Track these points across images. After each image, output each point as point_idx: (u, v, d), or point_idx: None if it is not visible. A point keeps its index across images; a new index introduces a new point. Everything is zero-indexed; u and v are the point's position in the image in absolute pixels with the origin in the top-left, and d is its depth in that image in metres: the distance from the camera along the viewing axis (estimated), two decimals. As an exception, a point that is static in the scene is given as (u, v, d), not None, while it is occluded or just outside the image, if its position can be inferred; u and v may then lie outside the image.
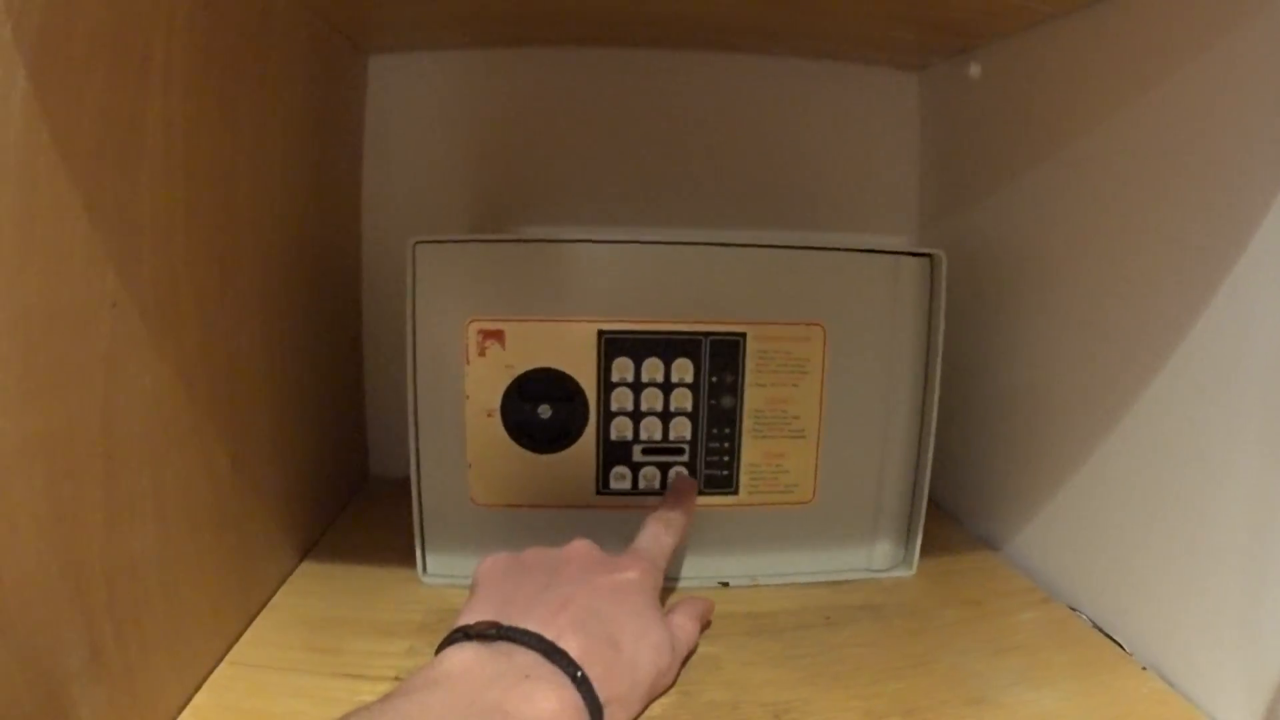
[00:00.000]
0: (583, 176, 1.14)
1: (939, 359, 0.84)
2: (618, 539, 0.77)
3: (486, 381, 0.81)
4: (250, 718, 0.62)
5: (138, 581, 0.56)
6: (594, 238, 0.81)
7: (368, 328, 1.12)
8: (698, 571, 0.85)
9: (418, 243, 0.78)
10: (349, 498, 1.04)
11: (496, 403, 0.81)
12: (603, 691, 0.55)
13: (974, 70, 1.01)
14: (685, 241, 0.81)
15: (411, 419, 0.80)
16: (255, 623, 0.73)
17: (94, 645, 0.51)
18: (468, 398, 0.81)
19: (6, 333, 0.43)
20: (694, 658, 0.72)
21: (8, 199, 0.43)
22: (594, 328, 0.81)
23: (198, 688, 0.63)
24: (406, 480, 0.81)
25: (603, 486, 0.84)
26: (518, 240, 0.83)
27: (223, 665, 0.67)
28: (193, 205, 0.62)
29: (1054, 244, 0.87)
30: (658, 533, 0.74)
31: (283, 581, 0.81)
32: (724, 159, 1.15)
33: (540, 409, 0.82)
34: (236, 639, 0.70)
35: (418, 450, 0.81)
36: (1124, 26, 0.76)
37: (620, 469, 0.84)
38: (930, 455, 0.86)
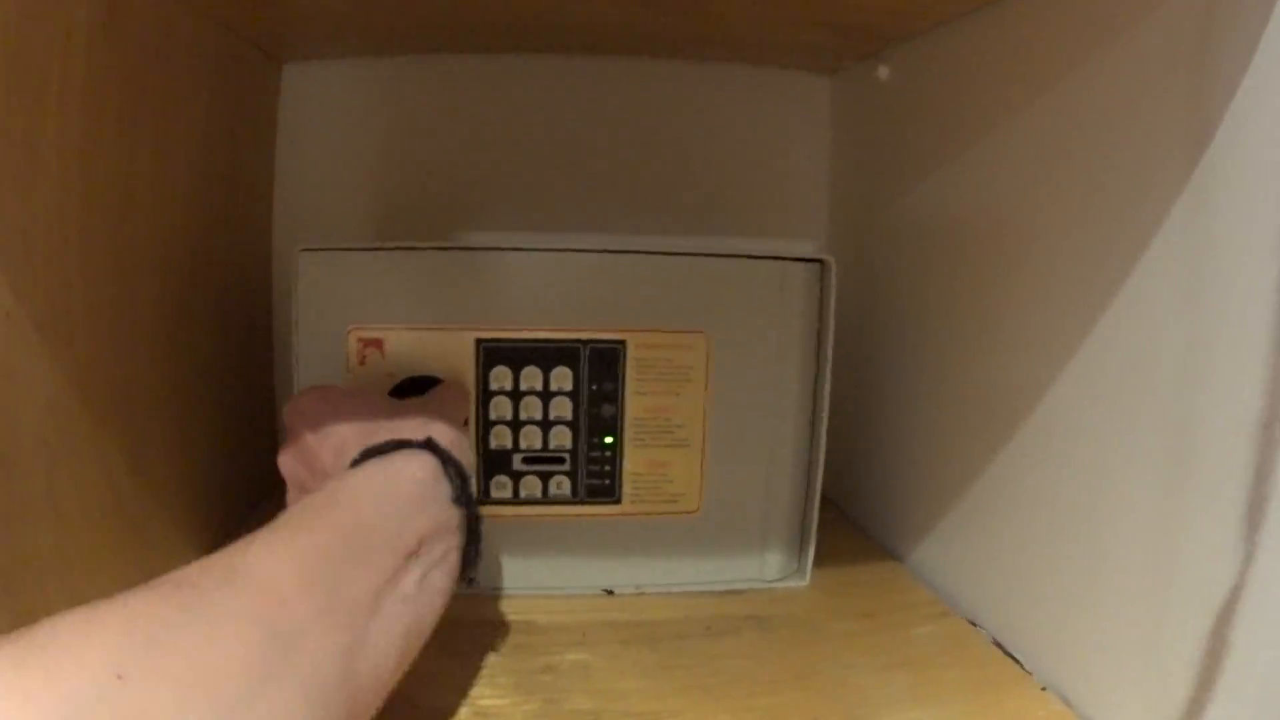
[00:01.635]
0: (495, 182, 1.16)
1: (829, 366, 0.85)
2: (503, 549, 0.85)
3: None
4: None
5: (35, 582, 0.58)
6: (471, 245, 0.84)
7: (279, 333, 1.13)
8: (581, 580, 0.88)
9: (302, 250, 0.80)
10: (259, 500, 1.05)
11: None
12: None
13: (882, 72, 1.02)
14: (563, 249, 0.84)
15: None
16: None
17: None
18: None
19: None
20: (564, 664, 0.73)
21: None
22: (472, 336, 0.82)
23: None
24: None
25: (483, 495, 0.84)
26: (397, 248, 0.83)
27: (126, 666, 0.69)
28: (88, 220, 0.65)
29: (955, 251, 0.88)
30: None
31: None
32: (637, 164, 1.18)
33: None
34: (141, 639, 0.72)
35: None
36: (1024, 25, 0.77)
37: (501, 478, 0.85)
38: (821, 464, 0.86)
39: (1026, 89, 0.76)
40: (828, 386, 0.85)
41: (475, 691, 0.69)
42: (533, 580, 0.87)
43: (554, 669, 0.73)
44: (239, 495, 1.00)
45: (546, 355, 0.83)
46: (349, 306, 0.81)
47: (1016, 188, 0.78)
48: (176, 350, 0.83)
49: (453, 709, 0.67)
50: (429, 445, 0.59)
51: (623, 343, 0.84)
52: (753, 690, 0.71)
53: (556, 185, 1.17)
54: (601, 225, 1.17)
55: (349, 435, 0.62)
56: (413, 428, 0.61)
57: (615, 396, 0.85)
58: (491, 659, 0.74)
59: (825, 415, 0.86)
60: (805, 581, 0.89)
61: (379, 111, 1.14)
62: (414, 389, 0.80)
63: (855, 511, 1.09)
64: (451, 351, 0.82)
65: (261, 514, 0.99)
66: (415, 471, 0.57)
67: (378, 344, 0.81)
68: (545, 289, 0.83)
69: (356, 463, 0.58)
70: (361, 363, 0.81)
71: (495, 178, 1.16)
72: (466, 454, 0.63)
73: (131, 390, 0.73)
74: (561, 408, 0.84)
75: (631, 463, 0.86)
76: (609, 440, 0.86)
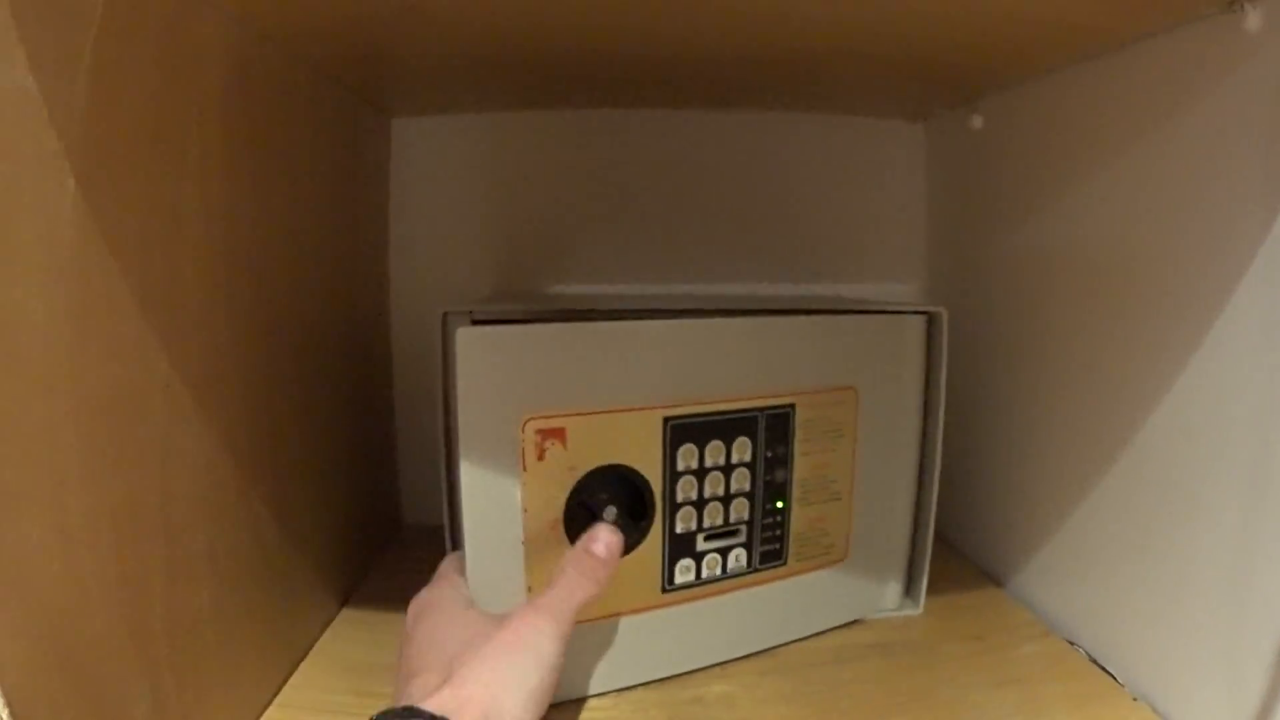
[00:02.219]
0: (601, 234, 1.17)
1: (941, 410, 0.86)
2: (684, 633, 0.79)
3: (547, 489, 0.71)
4: (299, 756, 0.66)
5: (196, 636, 0.61)
6: (644, 308, 0.78)
7: (398, 383, 1.15)
8: (745, 645, 0.84)
9: (466, 324, 0.68)
10: (384, 546, 1.09)
11: (559, 512, 0.72)
12: None
13: (976, 121, 1.04)
14: (736, 311, 0.80)
15: (462, 541, 0.72)
16: (301, 667, 0.78)
17: (157, 694, 0.56)
18: (526, 510, 0.71)
19: (69, 420, 0.48)
20: (710, 696, 0.76)
21: (63, 297, 0.48)
22: (660, 415, 0.74)
23: (250, 729, 0.68)
24: (437, 526, 0.81)
25: (668, 584, 0.78)
26: (571, 316, 0.73)
27: (272, 708, 0.71)
28: (233, 284, 0.67)
29: (1049, 293, 0.90)
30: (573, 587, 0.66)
31: (325, 628, 0.85)
32: (738, 213, 1.19)
33: (607, 512, 0.73)
34: (284, 683, 0.75)
35: (468, 575, 0.71)
36: (1110, 81, 0.79)
37: (685, 561, 0.78)
38: (934, 501, 0.89)
39: (1114, 141, 0.79)
40: (940, 429, 0.87)
41: (631, 725, 0.72)
42: (712, 656, 0.82)
43: (701, 700, 0.76)
44: (369, 542, 1.04)
45: (729, 427, 0.78)
46: (522, 391, 0.70)
47: (1108, 235, 0.81)
48: (311, 405, 0.85)
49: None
50: None
51: (793, 405, 0.81)
52: (881, 712, 0.74)
53: (660, 235, 1.19)
54: (705, 274, 1.19)
55: (409, 668, 0.61)
56: (455, 695, 0.55)
57: (786, 460, 0.81)
58: (642, 694, 0.77)
59: (939, 456, 0.88)
60: (919, 610, 0.91)
61: (484, 165, 1.16)
62: (600, 485, 0.73)
63: (959, 540, 1.12)
64: (638, 434, 0.74)
65: (389, 559, 1.04)
66: None
67: (559, 434, 0.71)
68: (721, 356, 0.77)
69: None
70: (540, 458, 0.70)
71: (599, 229, 1.18)
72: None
73: (276, 448, 0.76)
74: (741, 479, 0.80)
75: (797, 523, 0.84)
76: (779, 504, 0.82)
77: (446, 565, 0.73)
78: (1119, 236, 0.79)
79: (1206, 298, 0.67)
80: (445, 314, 0.76)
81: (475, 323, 0.70)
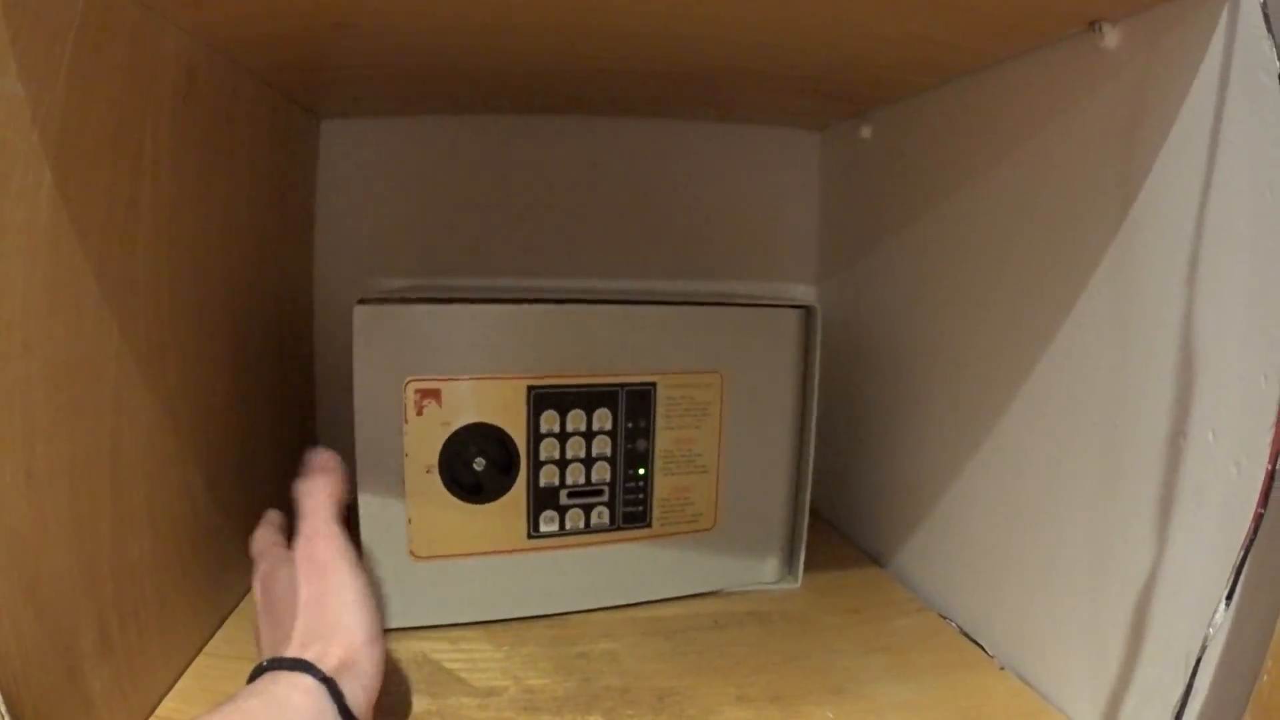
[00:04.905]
0: (517, 231, 1.26)
1: (815, 397, 0.96)
2: (551, 577, 0.93)
3: (425, 439, 0.86)
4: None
5: (136, 582, 0.69)
6: (523, 297, 0.90)
7: (319, 368, 1.23)
8: (616, 597, 0.96)
9: (358, 303, 0.83)
10: None
11: (435, 459, 0.87)
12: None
13: (865, 132, 1.14)
14: (602, 300, 0.93)
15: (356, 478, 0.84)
16: (225, 624, 0.86)
17: (103, 632, 0.64)
18: (407, 456, 0.86)
19: (41, 378, 0.57)
20: (595, 652, 0.85)
21: (40, 272, 0.56)
22: (524, 384, 0.88)
23: (181, 673, 0.76)
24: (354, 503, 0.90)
25: (533, 530, 0.91)
26: (452, 301, 0.88)
27: (201, 656, 0.80)
28: (176, 270, 0.76)
29: (927, 292, 1.00)
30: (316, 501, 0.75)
31: (247, 591, 0.91)
32: (645, 214, 1.28)
33: (475, 462, 0.88)
34: (210, 636, 0.83)
35: (359, 509, 0.85)
36: (984, 98, 0.88)
37: (549, 513, 0.92)
38: (809, 481, 0.98)
39: (986, 152, 0.88)
40: (814, 414, 0.97)
41: (521, 674, 0.81)
42: (576, 602, 0.95)
43: (587, 655, 0.85)
44: (288, 510, 1.09)
45: (590, 398, 0.91)
46: (406, 358, 0.85)
47: (976, 240, 0.90)
48: (240, 385, 0.93)
49: (503, 689, 0.78)
50: (309, 669, 0.60)
51: (654, 385, 0.93)
52: (754, 670, 0.83)
53: (572, 234, 1.27)
54: (612, 270, 1.29)
55: (276, 620, 0.68)
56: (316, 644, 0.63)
57: (648, 432, 0.94)
58: (533, 649, 0.86)
59: (813, 439, 0.98)
60: (797, 584, 1.01)
61: (407, 165, 1.24)
62: (470, 439, 0.88)
63: (843, 524, 1.21)
64: (505, 399, 0.88)
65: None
66: (299, 702, 0.58)
67: (435, 395, 0.86)
68: (587, 338, 0.91)
69: (260, 670, 0.61)
70: (419, 413, 0.86)
71: (515, 227, 1.26)
72: (370, 656, 0.65)
73: (208, 419, 0.84)
74: (602, 445, 0.93)
75: (660, 490, 0.96)
76: (641, 471, 0.95)
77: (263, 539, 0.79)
78: (986, 242, 0.88)
79: (1060, 296, 0.76)
80: (357, 303, 0.86)
81: (362, 302, 0.84)
